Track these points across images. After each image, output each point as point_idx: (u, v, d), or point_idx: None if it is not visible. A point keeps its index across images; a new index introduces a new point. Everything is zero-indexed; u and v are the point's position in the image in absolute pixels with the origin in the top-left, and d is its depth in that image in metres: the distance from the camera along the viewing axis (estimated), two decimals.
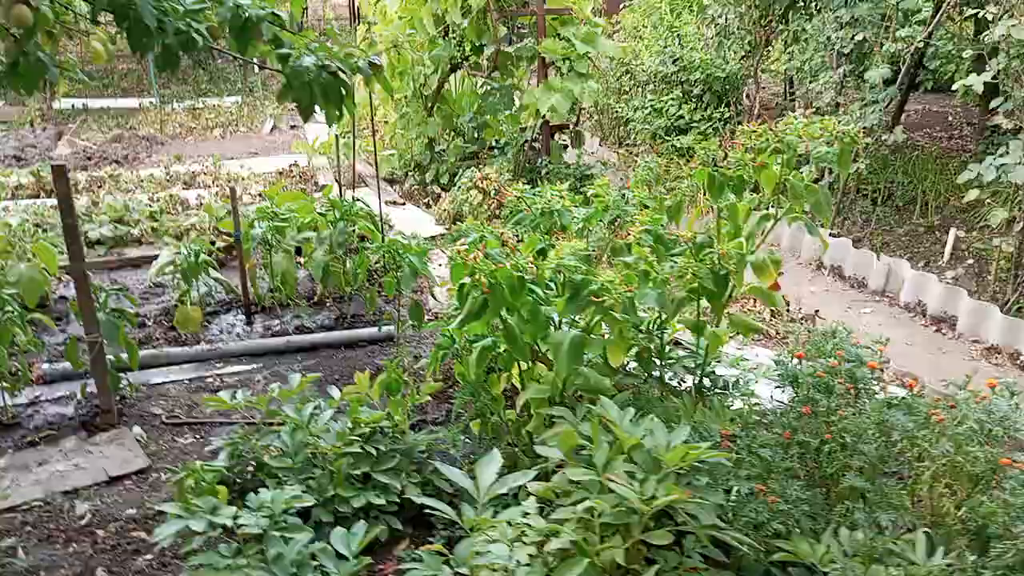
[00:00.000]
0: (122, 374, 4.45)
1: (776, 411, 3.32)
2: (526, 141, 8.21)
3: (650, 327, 3.51)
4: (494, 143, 9.09)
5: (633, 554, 2.62)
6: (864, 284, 6.23)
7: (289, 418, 3.50)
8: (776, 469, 2.93)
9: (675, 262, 3.08)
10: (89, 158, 10.44)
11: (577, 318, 3.27)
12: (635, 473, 2.60)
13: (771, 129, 2.97)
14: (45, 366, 4.78)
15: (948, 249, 6.22)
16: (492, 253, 3.20)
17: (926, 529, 2.67)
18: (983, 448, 2.73)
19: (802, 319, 5.58)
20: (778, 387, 3.29)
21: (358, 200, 5.67)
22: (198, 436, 4.23)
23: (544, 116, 7.51)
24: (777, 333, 5.34)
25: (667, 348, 3.65)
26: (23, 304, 4.62)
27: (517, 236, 4.00)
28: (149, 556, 3.27)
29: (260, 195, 7.79)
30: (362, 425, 3.45)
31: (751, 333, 3.55)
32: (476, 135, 8.92)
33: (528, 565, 2.46)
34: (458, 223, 7.59)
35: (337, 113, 2.94)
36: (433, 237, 7.29)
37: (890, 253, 6.41)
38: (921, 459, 2.88)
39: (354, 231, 5.52)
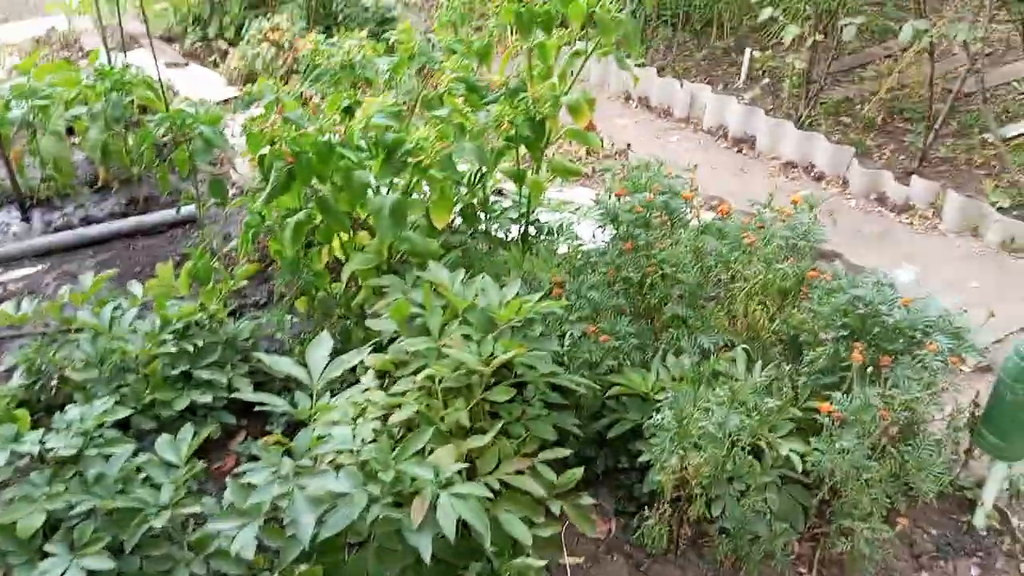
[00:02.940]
0: None
1: (599, 250, 3.36)
2: None
3: (471, 181, 3.40)
4: None
5: (477, 413, 2.62)
6: (670, 113, 6.36)
7: (87, 323, 3.16)
8: (604, 308, 2.99)
9: (489, 111, 2.93)
10: None
11: (396, 180, 3.09)
12: (471, 335, 2.56)
13: None
14: None
15: (744, 69, 6.43)
16: (292, 116, 2.90)
17: (744, 346, 2.86)
18: (790, 265, 2.90)
19: (616, 154, 5.66)
20: (600, 227, 3.31)
21: (130, 65, 5.00)
22: None
23: None
24: (594, 171, 5.40)
25: (490, 200, 3.57)
26: None
27: (318, 94, 3.67)
28: None
29: (14, 70, 6.71)
30: (173, 321, 3.17)
31: (571, 176, 3.52)
32: None
33: (374, 441, 2.40)
34: (252, 82, 6.95)
35: None
36: (226, 100, 6.63)
37: (691, 79, 6.54)
38: (735, 280, 3.04)
39: (131, 102, 4.89)
